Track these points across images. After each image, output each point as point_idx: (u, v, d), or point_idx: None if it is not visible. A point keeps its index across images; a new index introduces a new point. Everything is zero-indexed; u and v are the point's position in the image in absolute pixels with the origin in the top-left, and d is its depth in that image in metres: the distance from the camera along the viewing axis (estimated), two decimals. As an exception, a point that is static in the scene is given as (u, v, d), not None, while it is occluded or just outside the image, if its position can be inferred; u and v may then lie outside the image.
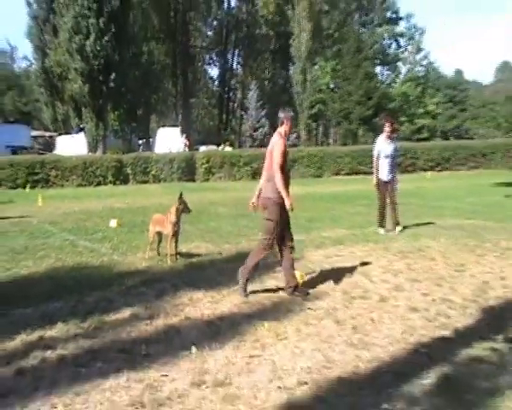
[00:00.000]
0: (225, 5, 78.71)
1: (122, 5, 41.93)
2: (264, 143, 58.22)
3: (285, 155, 8.90)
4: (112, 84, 41.72)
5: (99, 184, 34.39)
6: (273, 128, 64.27)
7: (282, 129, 9.18)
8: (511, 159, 41.98)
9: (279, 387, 5.52)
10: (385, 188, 14.84)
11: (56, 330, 7.25)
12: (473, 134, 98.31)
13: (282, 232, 8.85)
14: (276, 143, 8.94)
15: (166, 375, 5.86)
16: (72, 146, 45.92)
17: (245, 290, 8.87)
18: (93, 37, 39.96)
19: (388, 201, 14.76)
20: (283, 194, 8.54)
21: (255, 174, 37.40)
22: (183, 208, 11.17)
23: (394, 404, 5.10)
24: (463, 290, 8.85)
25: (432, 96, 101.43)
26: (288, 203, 8.52)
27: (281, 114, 9.31)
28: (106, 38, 40.34)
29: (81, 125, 47.33)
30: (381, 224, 14.75)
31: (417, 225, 15.39)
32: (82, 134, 46.09)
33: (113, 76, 41.38)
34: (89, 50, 40.09)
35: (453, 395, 5.28)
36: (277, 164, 8.74)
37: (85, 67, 40.50)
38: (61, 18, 41.78)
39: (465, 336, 6.79)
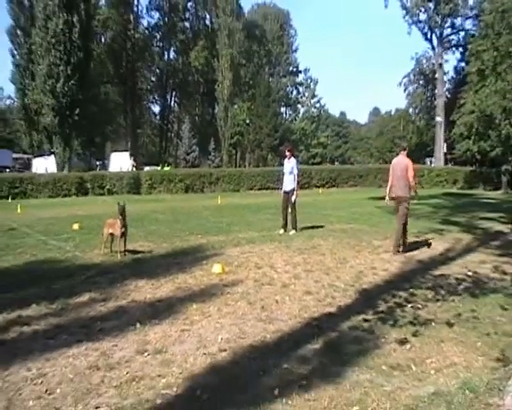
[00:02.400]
0: (165, 57, 78.21)
1: (85, 56, 41.91)
2: (194, 165, 58.17)
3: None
4: (76, 118, 41.25)
5: (65, 195, 33.61)
6: (202, 153, 64.55)
7: (405, 153, 11.98)
8: (380, 180, 42.90)
9: (204, 353, 5.54)
10: (286, 197, 15.03)
11: (31, 311, 7.11)
12: (353, 160, 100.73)
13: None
14: (410, 164, 11.62)
15: (116, 345, 5.83)
16: (44, 166, 44.93)
17: (405, 249, 11.59)
18: (62, 80, 39.74)
19: (289, 208, 14.96)
20: (415, 193, 12.01)
21: (188, 188, 37.17)
22: (120, 215, 10.98)
23: (292, 364, 5.19)
24: (345, 278, 9.02)
25: (323, 131, 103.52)
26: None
27: (404, 144, 13.50)
28: (72, 82, 40.08)
29: (52, 150, 46.35)
30: (283, 226, 14.90)
31: (312, 228, 15.58)
32: (52, 157, 45.10)
33: (77, 111, 40.91)
34: (59, 91, 39.78)
35: (335, 355, 5.40)
36: (413, 177, 11.59)
37: (56, 104, 40.11)
38: (38, 66, 41.29)
39: (345, 312, 6.94)
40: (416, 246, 12.23)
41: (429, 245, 12.45)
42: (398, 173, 11.66)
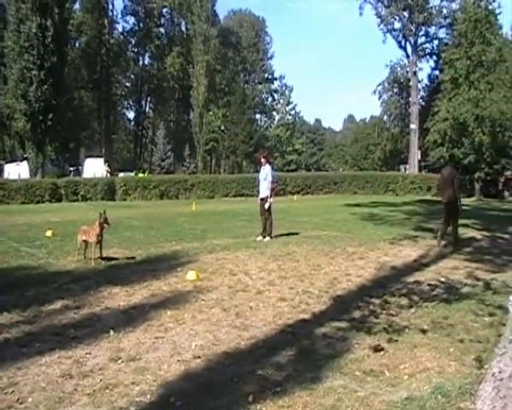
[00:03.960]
0: (140, 63, 78.01)
1: (59, 61, 41.21)
2: (169, 171, 57.93)
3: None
4: (49, 123, 40.68)
5: (38, 202, 33.25)
6: (177, 159, 64.35)
7: (452, 165, 15.30)
8: (355, 187, 43.31)
9: (178, 360, 5.53)
10: (262, 204, 15.08)
11: (2, 318, 7.00)
12: (328, 167, 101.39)
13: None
14: (456, 174, 13.86)
15: (90, 353, 5.77)
16: (17, 171, 44.33)
17: (441, 242, 13.45)
18: (35, 85, 39.07)
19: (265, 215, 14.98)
20: (460, 200, 13.65)
21: (163, 195, 37.13)
22: (105, 222, 11.08)
23: (267, 370, 5.20)
24: (319, 284, 9.06)
25: (298, 138, 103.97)
26: (460, 205, 13.80)
27: (451, 164, 16.76)
28: (45, 87, 39.49)
29: (25, 155, 45.85)
30: (262, 233, 14.92)
31: (287, 235, 15.63)
32: (25, 162, 44.57)
33: (50, 116, 40.38)
34: (31, 96, 39.14)
35: (309, 361, 5.42)
36: (458, 186, 13.68)
37: (28, 109, 39.51)
38: (10, 70, 40.69)
39: (320, 319, 6.97)
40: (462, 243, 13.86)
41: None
42: (448, 183, 13.75)
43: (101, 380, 5.05)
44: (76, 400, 4.64)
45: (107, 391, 4.80)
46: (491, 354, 5.40)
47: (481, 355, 5.50)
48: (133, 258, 11.79)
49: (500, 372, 4.04)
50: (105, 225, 11.14)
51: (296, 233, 16.04)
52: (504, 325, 6.58)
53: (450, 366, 5.32)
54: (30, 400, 4.64)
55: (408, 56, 62.70)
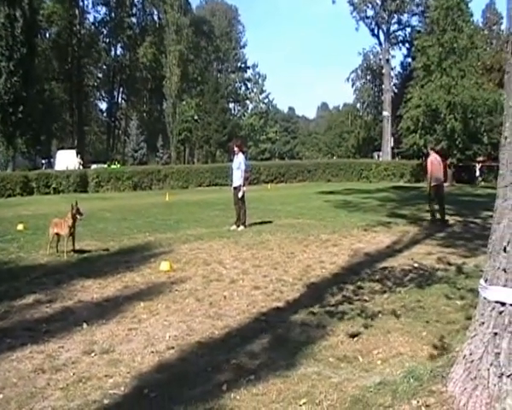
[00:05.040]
0: (112, 53, 77.15)
1: (29, 52, 40.80)
2: (142, 162, 57.47)
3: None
4: (20, 115, 40.21)
5: (9, 195, 32.61)
6: (150, 149, 63.95)
7: (434, 151, 16.25)
8: (329, 174, 43.38)
9: (152, 352, 5.51)
10: (235, 193, 15.06)
11: (-30, 315, 6.88)
12: (301, 155, 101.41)
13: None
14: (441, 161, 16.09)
15: (63, 346, 5.73)
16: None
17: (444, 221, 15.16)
18: (4, 77, 38.70)
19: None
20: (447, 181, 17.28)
21: (136, 186, 36.74)
22: (77, 213, 10.96)
23: (241, 359, 5.20)
24: (293, 272, 9.09)
25: (271, 126, 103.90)
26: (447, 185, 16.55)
27: (431, 145, 18.77)
28: (15, 78, 39.10)
29: (-6, 148, 45.33)
30: (235, 222, 14.89)
31: (260, 223, 15.62)
32: (-5, 155, 44.18)
33: (21, 109, 39.88)
34: (0, 88, 38.65)
35: (283, 349, 5.44)
36: (445, 168, 15.77)
37: (-3, 101, 38.99)
38: (-22, 61, 39.94)
39: (293, 306, 6.99)
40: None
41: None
42: (438, 166, 15.60)
43: (74, 374, 5.00)
44: (48, 394, 4.59)
45: (80, 385, 4.76)
46: (462, 336, 5.46)
47: (453, 338, 5.57)
48: (106, 250, 11.69)
49: (471, 354, 4.07)
50: (77, 215, 11.04)
51: (270, 222, 16.03)
52: (475, 307, 6.67)
53: (422, 349, 5.38)
54: (1, 396, 4.57)
55: (381, 44, 63.13)
